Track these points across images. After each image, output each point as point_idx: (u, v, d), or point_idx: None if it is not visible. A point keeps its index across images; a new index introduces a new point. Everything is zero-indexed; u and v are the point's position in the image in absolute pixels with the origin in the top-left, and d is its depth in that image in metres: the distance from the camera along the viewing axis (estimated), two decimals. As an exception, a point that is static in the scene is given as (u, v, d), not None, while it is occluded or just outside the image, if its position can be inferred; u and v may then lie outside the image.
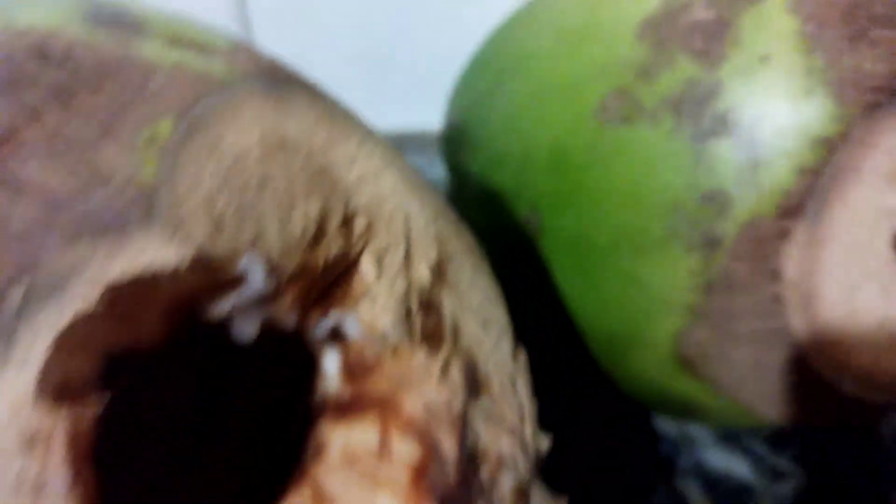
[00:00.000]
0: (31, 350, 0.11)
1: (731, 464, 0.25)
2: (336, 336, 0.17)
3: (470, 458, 0.15)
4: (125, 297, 0.12)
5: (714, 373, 0.20)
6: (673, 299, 0.20)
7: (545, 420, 0.27)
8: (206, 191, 0.12)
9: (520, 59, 0.24)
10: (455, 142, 0.27)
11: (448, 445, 0.15)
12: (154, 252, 0.11)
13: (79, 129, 0.12)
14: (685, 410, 0.22)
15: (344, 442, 0.17)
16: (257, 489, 0.19)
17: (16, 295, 0.11)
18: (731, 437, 0.26)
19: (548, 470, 0.25)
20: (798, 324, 0.19)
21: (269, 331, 0.17)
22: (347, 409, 0.17)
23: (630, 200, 0.20)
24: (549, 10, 0.24)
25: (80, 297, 0.11)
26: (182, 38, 0.14)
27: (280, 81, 0.15)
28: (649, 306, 0.20)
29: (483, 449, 0.16)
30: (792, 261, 0.18)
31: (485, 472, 0.16)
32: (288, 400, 0.20)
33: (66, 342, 0.12)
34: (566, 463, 0.26)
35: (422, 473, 0.15)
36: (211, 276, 0.12)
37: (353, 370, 0.16)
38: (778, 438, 0.26)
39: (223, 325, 0.15)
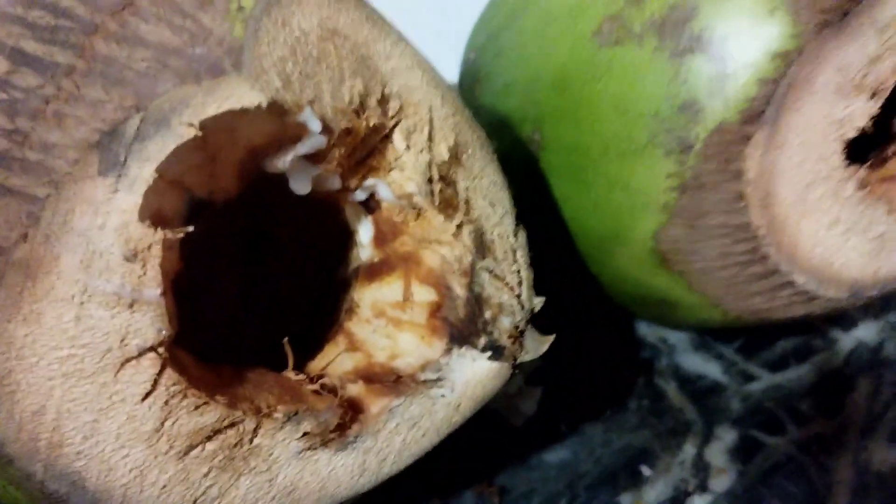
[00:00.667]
0: (140, 174, 0.15)
1: (706, 367, 0.28)
2: (369, 206, 0.20)
3: (476, 301, 0.18)
4: (214, 135, 0.15)
5: (687, 267, 0.23)
6: (652, 199, 0.23)
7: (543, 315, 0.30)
8: (279, 54, 0.16)
9: (529, -4, 0.27)
10: (470, 77, 0.30)
11: (458, 290, 0.18)
12: (241, 93, 0.15)
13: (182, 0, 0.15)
14: (662, 307, 0.25)
15: (373, 299, 0.20)
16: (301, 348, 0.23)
17: (132, 126, 0.15)
18: (706, 345, 0.29)
19: (541, 369, 0.28)
20: (758, 220, 0.22)
21: (314, 201, 0.20)
22: (377, 271, 0.20)
23: (619, 111, 0.23)
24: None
25: (182, 131, 0.14)
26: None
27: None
28: (632, 206, 0.23)
29: (487, 296, 0.19)
30: (753, 162, 0.21)
31: (487, 313, 0.19)
32: (325, 272, 0.23)
33: (166, 172, 0.15)
34: (556, 361, 0.29)
35: (437, 311, 0.18)
36: (280, 122, 0.16)
37: (384, 235, 0.20)
38: (749, 346, 0.29)
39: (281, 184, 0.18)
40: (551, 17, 0.25)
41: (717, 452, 0.25)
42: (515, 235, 0.20)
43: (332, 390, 0.18)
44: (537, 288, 0.31)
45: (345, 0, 0.18)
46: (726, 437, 0.26)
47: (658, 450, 0.25)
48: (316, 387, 0.18)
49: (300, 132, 0.16)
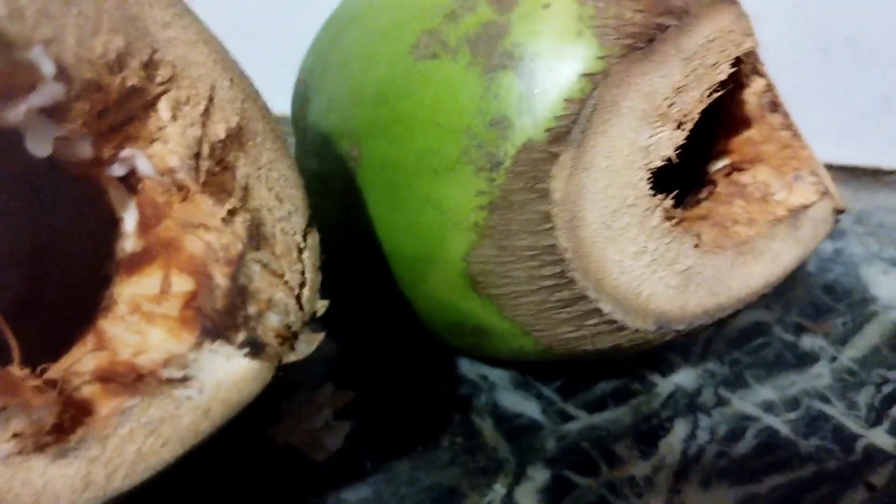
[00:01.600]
0: None
1: (524, 405, 0.27)
2: (130, 186, 0.18)
3: (239, 292, 0.17)
4: None
5: (498, 290, 0.22)
6: (463, 219, 0.22)
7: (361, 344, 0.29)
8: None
9: (355, 13, 0.26)
10: (301, 99, 0.29)
11: (219, 279, 0.17)
12: None
13: None
14: (476, 335, 0.24)
15: (131, 293, 0.18)
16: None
17: None
18: (526, 383, 0.28)
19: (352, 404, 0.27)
20: (565, 242, 0.21)
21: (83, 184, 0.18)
22: (138, 262, 0.18)
23: (432, 126, 0.22)
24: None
25: None
26: None
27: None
28: (444, 226, 0.22)
29: (255, 289, 0.17)
30: (560, 182, 0.21)
31: (252, 308, 0.17)
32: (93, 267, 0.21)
33: None
34: (369, 395, 0.27)
35: (191, 301, 0.16)
36: (5, 59, 0.14)
37: (148, 220, 0.18)
38: (568, 387, 0.28)
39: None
40: (374, 32, 0.25)
41: (528, 492, 0.24)
42: (304, 236, 0.19)
43: (57, 385, 0.15)
44: (349, 313, 0.29)
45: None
46: (538, 476, 0.24)
47: (467, 489, 0.24)
48: (38, 382, 0.15)
49: (35, 81, 0.14)
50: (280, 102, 0.28)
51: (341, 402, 0.27)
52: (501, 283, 0.22)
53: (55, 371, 0.17)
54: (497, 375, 0.28)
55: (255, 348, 0.16)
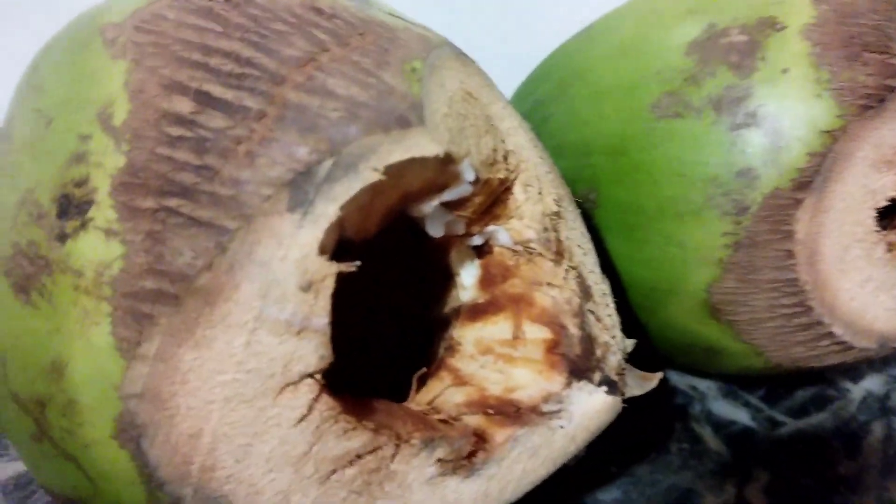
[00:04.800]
0: (325, 212, 0.16)
1: (736, 413, 0.30)
2: (479, 251, 0.21)
3: (588, 339, 0.20)
4: (386, 181, 0.16)
5: (737, 317, 0.26)
6: (707, 256, 0.25)
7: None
8: (443, 111, 0.17)
9: (580, 69, 0.29)
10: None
11: (573, 328, 0.20)
12: (423, 144, 0.16)
13: (360, 59, 0.17)
14: (707, 354, 0.27)
15: (477, 337, 0.21)
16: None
17: (324, 168, 0.16)
18: (732, 392, 0.31)
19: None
20: (805, 275, 0.24)
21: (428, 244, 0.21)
22: (482, 311, 0.22)
23: (677, 176, 0.25)
24: (604, 32, 0.30)
25: (367, 175, 0.16)
26: (393, 12, 0.20)
27: (459, 51, 0.20)
28: (686, 261, 0.26)
29: (595, 336, 0.21)
30: (802, 224, 0.24)
31: (598, 351, 0.20)
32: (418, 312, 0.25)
33: (345, 212, 0.16)
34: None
35: (553, 347, 0.20)
36: (442, 171, 0.17)
37: (492, 278, 0.21)
38: (771, 395, 0.31)
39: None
40: (605, 88, 0.28)
41: (756, 491, 0.27)
42: (603, 282, 0.22)
43: (455, 420, 0.19)
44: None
45: (470, 66, 0.20)
46: (762, 477, 0.28)
47: (702, 489, 0.27)
48: (442, 416, 0.19)
49: (448, 181, 0.18)
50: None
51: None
52: (741, 311, 0.26)
53: (419, 402, 0.21)
54: (705, 386, 0.31)
55: (610, 385, 0.20)
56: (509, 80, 0.35)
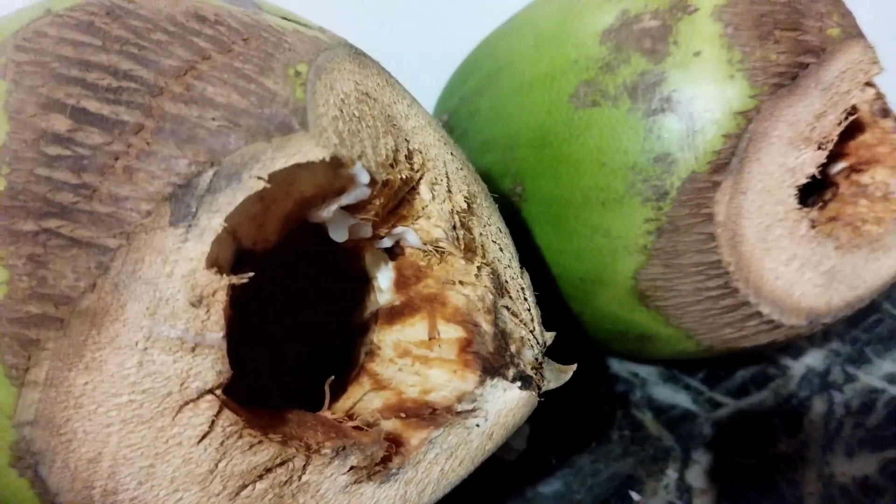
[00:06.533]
0: (210, 224, 0.16)
1: (676, 397, 0.30)
2: (391, 253, 0.21)
3: (502, 335, 0.20)
4: (274, 188, 0.16)
5: (665, 302, 0.26)
6: (632, 243, 0.25)
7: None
8: (332, 114, 0.17)
9: (504, 62, 0.29)
10: (444, 137, 0.32)
11: (486, 326, 0.20)
12: (307, 149, 0.16)
13: (242, 66, 0.16)
14: (640, 341, 0.27)
15: (395, 340, 0.21)
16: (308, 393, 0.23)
17: (205, 180, 0.16)
18: (673, 377, 0.31)
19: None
20: (728, 257, 0.24)
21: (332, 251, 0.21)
22: (398, 314, 0.21)
23: (598, 165, 0.25)
24: (526, 23, 0.29)
25: (252, 184, 0.16)
26: (288, 16, 0.19)
27: (357, 52, 0.20)
28: (613, 250, 0.26)
29: (510, 331, 0.20)
30: (721, 206, 0.24)
31: (513, 347, 0.20)
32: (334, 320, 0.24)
33: (231, 222, 0.16)
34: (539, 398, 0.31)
35: (467, 346, 0.20)
36: (334, 175, 0.17)
37: (406, 279, 0.21)
38: (711, 377, 0.31)
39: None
40: (526, 80, 0.28)
41: (697, 475, 0.27)
42: (522, 276, 0.22)
43: (371, 426, 0.19)
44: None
45: (369, 66, 0.20)
46: (703, 460, 0.28)
47: (643, 476, 0.27)
48: (356, 423, 0.19)
49: (345, 185, 0.18)
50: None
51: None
52: (668, 296, 0.26)
53: (338, 410, 0.21)
54: (646, 371, 0.32)
55: (524, 381, 0.20)
56: (440, 75, 0.35)
